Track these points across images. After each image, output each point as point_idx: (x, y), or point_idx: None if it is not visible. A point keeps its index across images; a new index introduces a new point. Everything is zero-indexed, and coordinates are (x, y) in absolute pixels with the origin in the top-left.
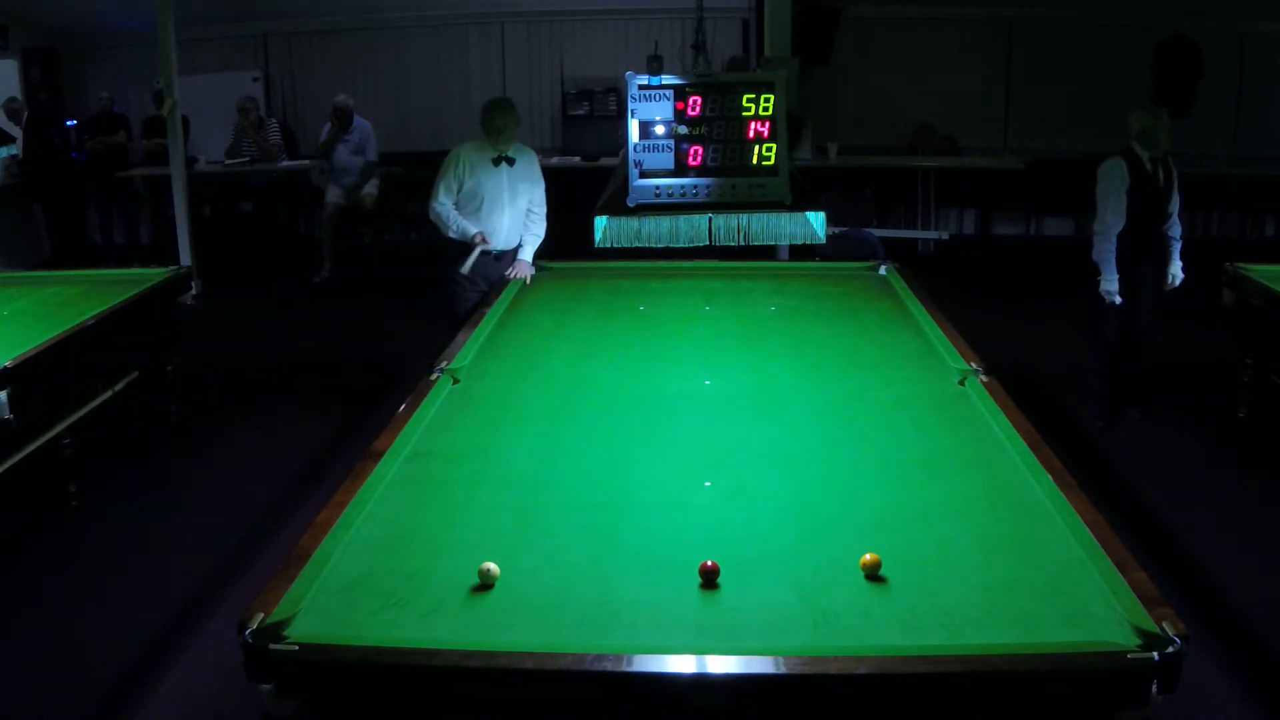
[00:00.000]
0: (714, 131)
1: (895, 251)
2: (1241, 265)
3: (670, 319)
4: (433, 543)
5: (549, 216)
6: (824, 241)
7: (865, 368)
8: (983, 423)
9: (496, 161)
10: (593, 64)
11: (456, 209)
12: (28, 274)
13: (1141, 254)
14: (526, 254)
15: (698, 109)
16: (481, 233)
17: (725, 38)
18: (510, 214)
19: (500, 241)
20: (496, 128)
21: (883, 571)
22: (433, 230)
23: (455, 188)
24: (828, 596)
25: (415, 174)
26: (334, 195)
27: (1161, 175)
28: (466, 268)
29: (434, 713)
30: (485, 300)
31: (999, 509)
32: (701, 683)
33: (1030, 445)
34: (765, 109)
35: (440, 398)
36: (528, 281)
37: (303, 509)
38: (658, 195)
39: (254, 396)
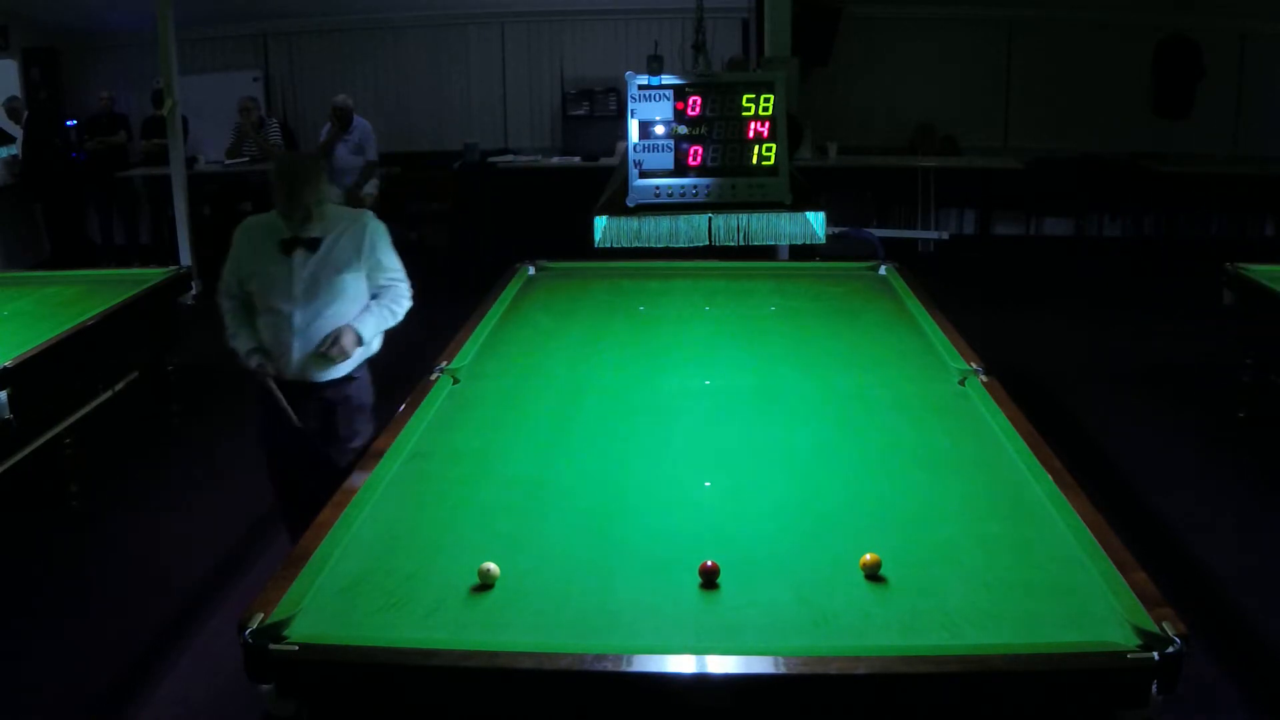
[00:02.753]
0: (714, 131)
1: (895, 251)
2: (1241, 265)
3: (670, 319)
4: (433, 543)
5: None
6: (824, 241)
7: (865, 368)
8: (983, 423)
9: (288, 247)
10: (593, 64)
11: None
12: (28, 274)
13: None
14: (364, 325)
15: (698, 109)
16: (259, 351)
17: (725, 38)
18: (303, 327)
19: (291, 368)
20: (282, 196)
21: (883, 571)
22: (435, 231)
23: (234, 281)
24: (827, 596)
25: (415, 174)
26: (334, 195)
27: None
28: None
29: (434, 713)
30: (482, 304)
31: (999, 509)
32: (701, 683)
33: (1030, 445)
34: (765, 109)
35: (440, 398)
36: (341, 352)
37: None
38: (658, 195)
39: (254, 396)
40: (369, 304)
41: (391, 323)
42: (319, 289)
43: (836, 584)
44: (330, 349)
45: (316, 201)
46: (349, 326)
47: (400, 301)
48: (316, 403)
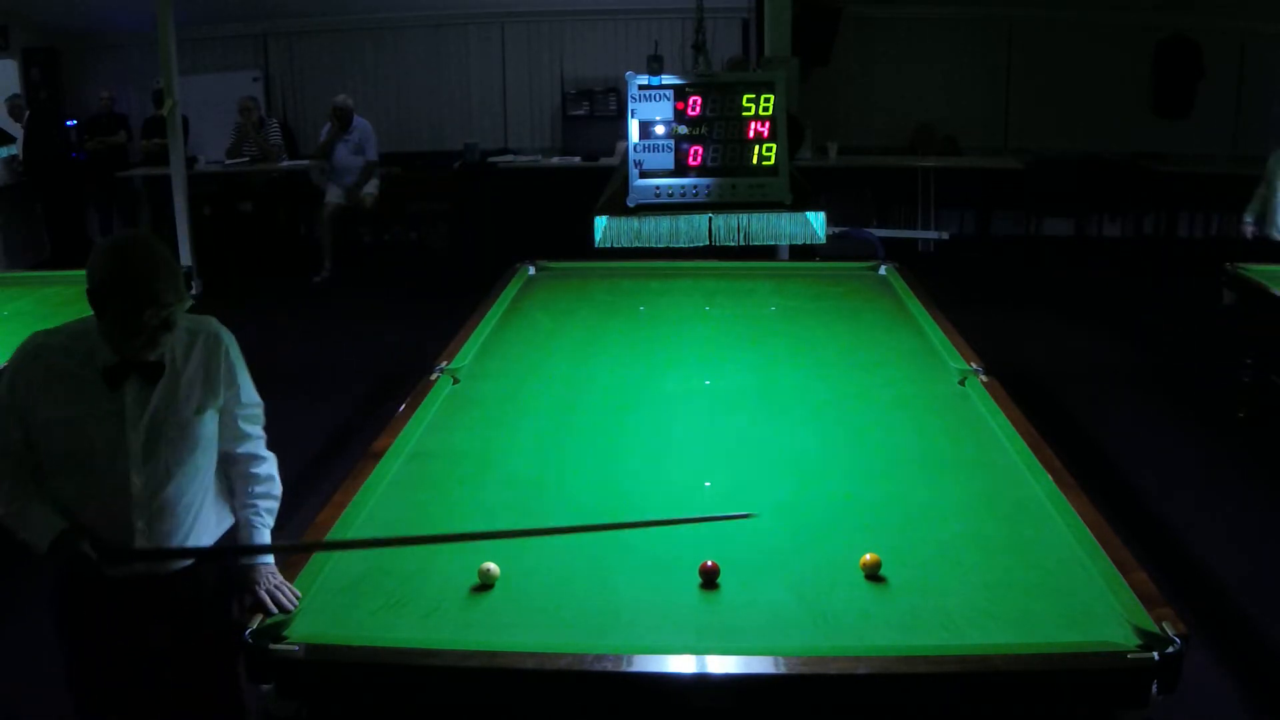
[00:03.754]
0: (714, 131)
1: (895, 251)
2: (1241, 265)
3: (670, 319)
4: None
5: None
6: (824, 241)
7: (865, 368)
8: (983, 423)
9: (115, 377)
10: (593, 64)
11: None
12: (28, 274)
13: None
14: (264, 539)
15: (698, 109)
16: (76, 531)
17: (725, 38)
18: (146, 498)
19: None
20: (131, 299)
21: (882, 571)
22: (435, 231)
23: (17, 433)
24: (827, 596)
25: (415, 174)
26: (334, 195)
27: None
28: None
29: (434, 713)
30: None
31: (999, 509)
32: (701, 683)
33: (1030, 445)
34: (765, 109)
35: (440, 398)
36: (280, 608)
37: (303, 509)
38: (658, 195)
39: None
40: (246, 503)
41: (274, 511)
42: (163, 439)
43: (836, 584)
44: (265, 605)
45: (178, 304)
46: (272, 571)
47: (274, 474)
48: (168, 604)
